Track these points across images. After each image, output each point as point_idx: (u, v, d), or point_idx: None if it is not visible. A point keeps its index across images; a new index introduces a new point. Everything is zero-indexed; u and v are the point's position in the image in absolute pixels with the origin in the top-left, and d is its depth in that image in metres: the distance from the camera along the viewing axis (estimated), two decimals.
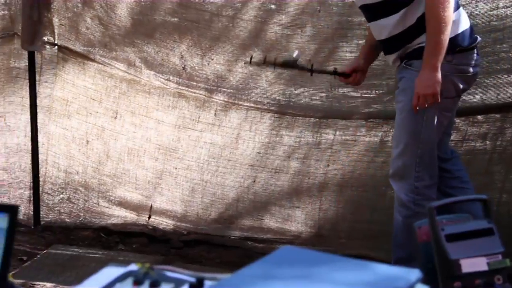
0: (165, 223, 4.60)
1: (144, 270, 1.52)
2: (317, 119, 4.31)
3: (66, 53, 4.63)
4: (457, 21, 3.38)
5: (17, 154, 4.76)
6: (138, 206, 4.65)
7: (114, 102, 4.62)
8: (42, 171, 4.70)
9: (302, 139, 4.37)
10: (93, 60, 4.60)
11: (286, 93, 4.34)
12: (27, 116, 4.68)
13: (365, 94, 4.19)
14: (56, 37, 4.59)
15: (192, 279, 1.51)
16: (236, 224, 4.51)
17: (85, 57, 4.60)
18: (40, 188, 4.70)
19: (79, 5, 4.52)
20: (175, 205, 4.60)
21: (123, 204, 4.67)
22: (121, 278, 1.54)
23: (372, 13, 3.45)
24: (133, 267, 1.60)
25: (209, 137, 4.51)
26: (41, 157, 4.68)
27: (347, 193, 4.26)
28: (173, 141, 4.56)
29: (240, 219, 4.53)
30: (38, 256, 4.24)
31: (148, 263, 1.56)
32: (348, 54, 4.15)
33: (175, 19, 4.41)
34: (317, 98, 4.27)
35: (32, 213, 4.64)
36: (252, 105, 4.40)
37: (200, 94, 4.49)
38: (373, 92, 4.17)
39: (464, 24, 3.44)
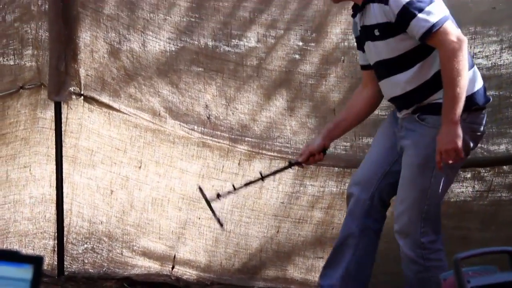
0: (188, 273, 4.59)
1: None
2: (341, 169, 4.30)
3: (91, 103, 4.67)
4: (473, 79, 3.37)
5: (42, 204, 4.78)
6: (161, 256, 4.64)
7: (138, 151, 4.64)
8: (66, 221, 4.72)
9: (326, 188, 4.36)
10: (118, 110, 4.63)
11: None
12: (52, 166, 4.71)
13: None
14: (82, 87, 4.64)
15: None
16: (260, 274, 4.48)
17: (110, 107, 4.64)
18: (64, 238, 4.70)
19: (105, 56, 4.57)
20: (199, 255, 4.58)
21: (146, 254, 4.66)
22: None
23: (386, 69, 3.43)
24: None
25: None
26: (65, 207, 4.70)
27: None
28: (197, 191, 4.56)
29: (264, 269, 4.50)
30: None
31: None
32: None
33: (200, 68, 4.44)
34: (341, 147, 4.27)
35: (56, 263, 4.64)
36: (276, 154, 4.40)
37: (224, 143, 4.50)
38: None
39: (479, 83, 3.42)
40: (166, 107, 4.55)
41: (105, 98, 4.64)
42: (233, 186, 3.76)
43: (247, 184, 3.76)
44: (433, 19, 3.24)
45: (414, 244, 3.41)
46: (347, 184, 4.30)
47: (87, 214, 4.74)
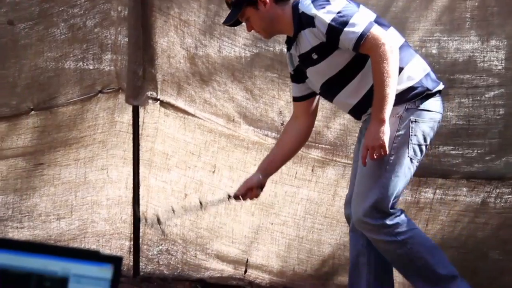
0: (261, 277, 4.60)
1: None
2: (416, 178, 4.26)
3: (167, 108, 4.72)
4: (417, 67, 3.50)
5: (118, 205, 4.84)
6: (234, 260, 4.66)
7: (212, 156, 4.67)
8: (142, 223, 4.78)
9: (400, 197, 4.32)
10: (193, 115, 4.67)
11: None
12: (128, 169, 4.78)
13: (466, 153, 4.13)
14: (159, 92, 4.70)
15: None
16: (332, 281, 4.46)
17: (185, 112, 4.68)
18: (140, 240, 4.76)
19: (182, 61, 4.62)
20: (271, 260, 4.59)
21: (220, 257, 4.69)
22: None
23: (332, 89, 3.58)
24: None
25: (306, 193, 4.50)
26: (141, 209, 4.76)
27: (447, 253, 4.16)
28: (270, 196, 4.58)
29: (336, 276, 4.48)
30: None
31: None
32: None
33: (275, 75, 4.45)
34: None
35: (131, 264, 4.70)
36: (349, 161, 4.37)
37: None
38: (475, 151, 4.10)
39: (425, 69, 3.54)
40: (240, 113, 4.57)
41: (180, 103, 4.68)
42: (172, 209, 3.90)
43: (187, 212, 3.93)
44: (358, 29, 3.37)
45: (377, 229, 3.48)
46: (422, 193, 4.27)
47: (162, 216, 4.80)
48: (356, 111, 3.59)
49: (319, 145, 4.43)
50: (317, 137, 4.42)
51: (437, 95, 3.54)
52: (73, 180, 4.83)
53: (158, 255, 4.80)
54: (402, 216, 3.53)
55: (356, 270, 3.66)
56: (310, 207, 4.50)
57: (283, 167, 4.51)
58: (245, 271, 4.63)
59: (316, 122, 4.40)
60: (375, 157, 3.37)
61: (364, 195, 3.48)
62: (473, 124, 3.78)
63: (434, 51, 4.09)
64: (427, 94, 3.50)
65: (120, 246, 4.81)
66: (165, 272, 4.75)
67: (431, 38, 4.09)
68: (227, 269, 4.67)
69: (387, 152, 3.37)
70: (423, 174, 4.22)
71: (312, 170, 4.48)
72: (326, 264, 4.48)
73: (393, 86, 3.34)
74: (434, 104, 3.53)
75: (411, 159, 3.50)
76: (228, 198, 3.78)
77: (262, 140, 4.54)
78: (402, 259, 3.54)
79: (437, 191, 4.24)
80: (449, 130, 3.97)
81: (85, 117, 4.78)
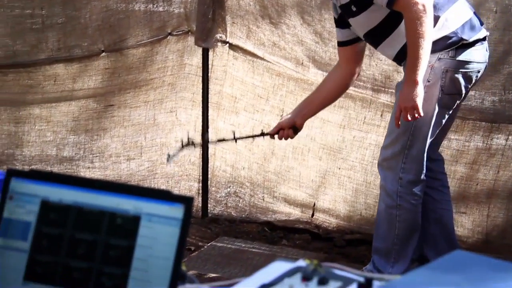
0: (328, 221, 4.61)
1: (313, 267, 1.53)
2: (488, 123, 4.19)
3: (236, 51, 4.72)
4: (454, 16, 3.44)
5: (187, 147, 4.89)
6: (301, 203, 4.68)
7: (280, 100, 4.66)
8: (210, 165, 4.82)
9: (471, 143, 4.25)
10: (262, 58, 4.66)
11: None
12: (196, 112, 4.81)
13: None
14: (228, 35, 4.69)
15: (361, 279, 1.50)
16: None
17: (254, 55, 4.67)
18: (208, 182, 4.82)
19: (251, 3, 4.60)
20: (338, 205, 4.59)
21: (287, 200, 4.71)
22: (289, 273, 1.55)
23: (375, 38, 3.57)
24: (302, 263, 1.61)
25: (374, 138, 4.47)
26: (209, 151, 4.80)
27: None
28: (338, 141, 4.56)
29: None
30: (205, 247, 4.34)
31: (316, 260, 1.57)
32: None
33: None
34: (489, 101, 4.15)
35: (200, 205, 4.76)
36: None
37: (366, 94, 4.46)
38: None
39: (464, 17, 3.46)
40: (309, 56, 4.54)
41: (249, 46, 4.67)
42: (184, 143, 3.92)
43: (221, 141, 3.93)
44: None
45: (393, 178, 3.54)
46: (494, 139, 4.19)
47: (230, 159, 4.83)
48: (399, 57, 3.57)
49: (389, 90, 4.38)
50: (387, 82, 4.37)
51: (478, 44, 3.49)
52: (143, 122, 4.88)
53: (226, 197, 4.85)
54: (419, 187, 3.57)
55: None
56: (378, 152, 4.47)
57: (351, 112, 4.49)
58: (312, 215, 4.65)
59: (385, 67, 4.35)
60: (409, 118, 3.36)
61: (394, 140, 3.53)
62: None
63: None
64: (462, 44, 3.45)
65: (188, 188, 4.87)
66: (233, 214, 4.80)
67: None
68: (294, 212, 4.69)
69: (421, 114, 3.36)
70: (495, 119, 4.15)
71: (381, 115, 4.45)
72: None
73: (427, 47, 3.31)
74: (472, 54, 3.48)
75: (441, 108, 3.49)
76: (262, 135, 3.81)
77: None
78: (385, 216, 3.60)
79: (510, 137, 4.16)
80: None
81: (155, 59, 4.81)
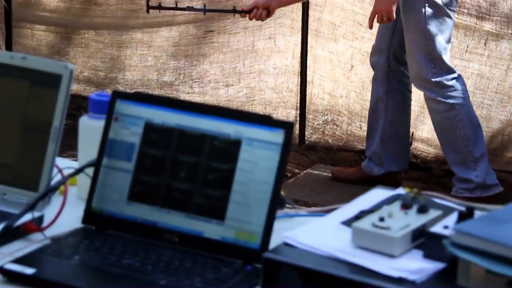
0: (426, 151, 4.56)
1: (413, 195, 1.51)
2: None
3: None
4: None
5: (285, 75, 4.89)
6: None
7: None
8: (308, 92, 4.82)
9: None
10: None
11: None
12: (295, 39, 4.79)
13: None
14: None
15: (462, 208, 1.49)
16: (501, 157, 4.37)
17: None
18: (306, 109, 4.82)
19: None
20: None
21: None
22: (389, 201, 1.55)
23: None
24: (401, 190, 1.60)
25: (477, 68, 4.38)
26: (307, 79, 4.79)
27: None
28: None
29: (505, 152, 4.39)
30: (301, 174, 4.37)
31: (416, 188, 1.55)
32: None
33: None
34: None
35: (297, 132, 4.78)
36: None
37: (470, 22, 4.35)
38: None
39: None
40: None
41: None
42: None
43: (188, 9, 3.86)
44: None
45: (432, 85, 3.68)
46: None
47: (327, 87, 4.81)
48: None
49: (494, 18, 4.26)
50: (492, 9, 4.24)
51: None
52: (241, 48, 4.89)
53: (324, 125, 4.84)
54: (459, 82, 3.70)
55: (373, 116, 3.99)
56: (480, 82, 4.38)
57: (454, 40, 4.39)
58: (410, 144, 4.61)
59: None
60: (384, 20, 3.55)
61: (415, 51, 3.65)
62: None
63: None
64: None
65: (286, 115, 4.89)
66: (330, 141, 4.80)
67: None
68: None
69: (394, 18, 3.56)
70: None
71: (485, 44, 4.34)
72: (494, 140, 4.38)
73: None
74: None
75: (446, 5, 3.58)
76: (234, 11, 3.79)
77: None
78: (445, 123, 3.71)
79: None
80: None
81: None
